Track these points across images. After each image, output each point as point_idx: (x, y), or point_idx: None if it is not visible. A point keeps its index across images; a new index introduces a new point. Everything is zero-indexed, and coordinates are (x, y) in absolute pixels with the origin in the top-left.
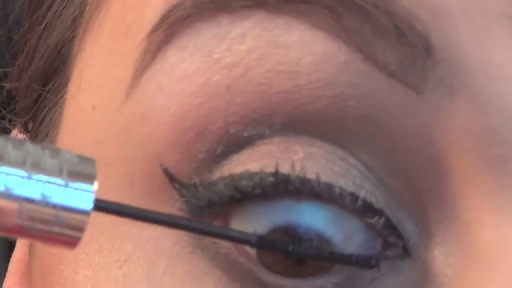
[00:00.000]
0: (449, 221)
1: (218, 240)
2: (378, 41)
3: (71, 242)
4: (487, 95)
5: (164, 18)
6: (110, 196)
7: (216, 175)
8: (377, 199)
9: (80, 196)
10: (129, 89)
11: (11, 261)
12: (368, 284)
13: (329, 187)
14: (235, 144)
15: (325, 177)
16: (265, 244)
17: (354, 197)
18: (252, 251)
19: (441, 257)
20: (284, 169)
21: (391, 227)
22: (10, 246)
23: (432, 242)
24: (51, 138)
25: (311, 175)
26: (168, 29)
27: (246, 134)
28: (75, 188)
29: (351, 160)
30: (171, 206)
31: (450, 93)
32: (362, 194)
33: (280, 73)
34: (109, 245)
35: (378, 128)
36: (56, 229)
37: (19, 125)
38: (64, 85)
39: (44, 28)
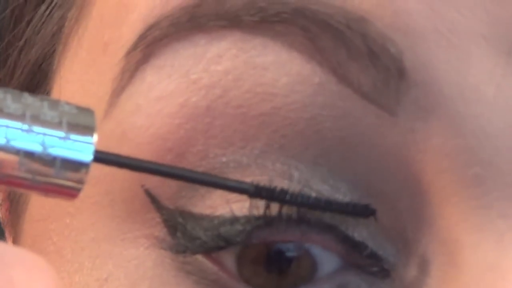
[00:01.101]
0: (427, 240)
1: (204, 267)
2: (352, 63)
3: (71, 194)
4: (463, 117)
5: (142, 37)
6: (90, 215)
7: (196, 206)
8: (359, 230)
9: (80, 147)
10: (107, 108)
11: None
12: None
13: (317, 222)
14: (212, 170)
15: (312, 214)
16: (263, 194)
17: (338, 230)
18: (230, 266)
19: (419, 276)
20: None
21: (372, 254)
22: None
23: (410, 261)
24: None
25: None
26: (146, 49)
27: (224, 159)
28: (75, 140)
29: (329, 181)
30: (153, 227)
31: (424, 115)
32: (343, 228)
33: (258, 95)
34: (90, 264)
35: (354, 149)
36: (56, 180)
37: None
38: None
39: (24, 43)
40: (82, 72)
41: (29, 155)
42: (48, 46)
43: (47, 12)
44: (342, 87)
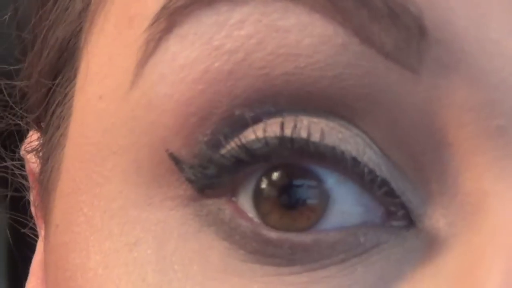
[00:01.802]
0: (452, 192)
1: (223, 208)
2: (374, 24)
3: None
4: (485, 71)
5: (165, 7)
6: (119, 183)
7: (224, 149)
8: (380, 168)
9: None
10: (133, 78)
11: (33, 262)
12: (373, 248)
13: (333, 149)
14: (241, 123)
15: (329, 141)
16: None
17: (357, 161)
18: (252, 213)
19: (445, 227)
20: (289, 132)
21: (392, 194)
22: (11, 249)
23: (436, 213)
24: (62, 130)
25: (315, 138)
26: (169, 18)
27: (252, 114)
28: None
29: (354, 130)
30: (178, 187)
31: (446, 73)
32: (364, 159)
33: (281, 56)
34: (119, 230)
35: (378, 104)
36: None
37: (32, 123)
38: (73, 77)
39: (51, 22)
40: (108, 47)
41: None
42: (75, 24)
43: None
44: (365, 47)
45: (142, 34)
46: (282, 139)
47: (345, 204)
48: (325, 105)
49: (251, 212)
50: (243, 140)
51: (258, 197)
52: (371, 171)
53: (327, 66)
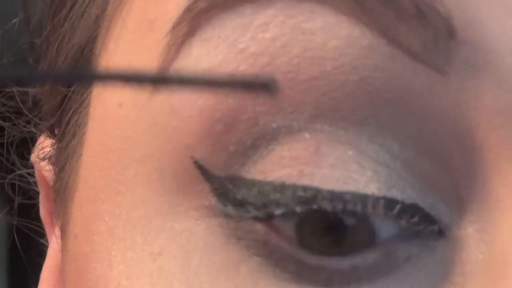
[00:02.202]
0: (481, 197)
1: (256, 228)
2: (401, 25)
3: None
4: None
5: (187, 10)
6: (141, 192)
7: (248, 172)
8: (408, 191)
9: None
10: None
11: (43, 269)
12: (404, 263)
13: (362, 199)
14: (264, 136)
15: (354, 186)
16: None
17: (388, 203)
18: (291, 234)
19: (474, 234)
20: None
21: (423, 216)
22: (11, 253)
23: (465, 220)
24: (78, 138)
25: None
26: (192, 22)
27: (274, 125)
28: None
29: (380, 142)
30: (203, 198)
31: (475, 73)
32: (391, 194)
33: (306, 60)
34: (142, 239)
35: (405, 109)
36: None
37: (45, 130)
38: (89, 84)
39: (67, 29)
40: (128, 53)
41: None
42: (91, 31)
43: None
44: (392, 48)
45: (164, 38)
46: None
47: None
48: (350, 115)
49: (285, 230)
50: (266, 197)
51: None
52: (398, 202)
53: (353, 69)
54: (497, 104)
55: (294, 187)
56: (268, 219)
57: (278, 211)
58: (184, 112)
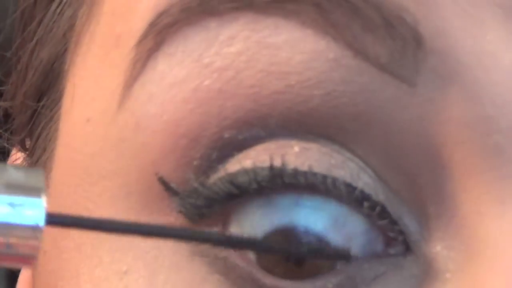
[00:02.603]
0: (449, 214)
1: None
2: (368, 36)
3: (27, 261)
4: (481, 85)
5: (152, 25)
6: (108, 209)
7: (212, 178)
8: (376, 192)
9: (31, 212)
10: (121, 99)
11: (19, 280)
12: (370, 282)
13: (324, 178)
14: (230, 148)
15: (321, 169)
16: (266, 248)
17: (352, 188)
18: (251, 254)
19: (443, 251)
20: (278, 162)
21: (391, 221)
22: None
23: (433, 237)
24: (48, 153)
25: (305, 167)
26: (156, 37)
27: (240, 137)
28: (25, 205)
29: (347, 154)
30: (169, 215)
31: (443, 84)
32: (359, 185)
33: (271, 74)
34: (109, 257)
35: (372, 124)
36: (10, 250)
37: (17, 144)
38: (58, 99)
39: (35, 44)
40: (95, 68)
41: None
42: (60, 45)
43: (58, 10)
44: (359, 61)
45: (129, 53)
46: (272, 172)
47: (346, 234)
48: (317, 127)
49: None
50: (232, 174)
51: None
52: (368, 198)
53: (319, 83)
54: (464, 117)
55: (256, 168)
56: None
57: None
58: (149, 127)
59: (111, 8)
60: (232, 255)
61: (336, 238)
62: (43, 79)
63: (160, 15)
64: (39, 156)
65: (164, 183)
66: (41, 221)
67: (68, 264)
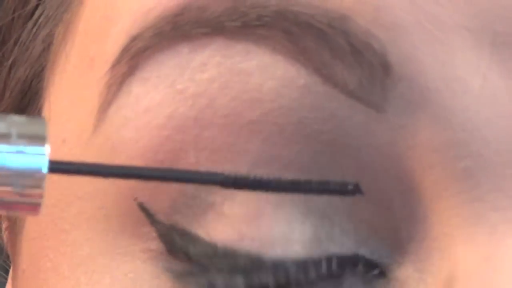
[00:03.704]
0: (420, 237)
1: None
2: (336, 62)
3: (33, 209)
4: (450, 110)
5: (126, 49)
6: (85, 230)
7: (191, 225)
8: (346, 244)
9: (33, 159)
10: (96, 122)
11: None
12: None
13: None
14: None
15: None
16: (240, 183)
17: (328, 263)
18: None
19: (414, 274)
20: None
21: (367, 262)
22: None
23: (405, 260)
24: None
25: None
26: (130, 61)
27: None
28: (27, 153)
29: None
30: (150, 241)
31: (412, 110)
32: (333, 249)
33: (244, 102)
34: (87, 279)
35: (342, 151)
36: (14, 197)
37: None
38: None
39: (13, 62)
40: (70, 88)
41: None
42: (37, 64)
43: (34, 29)
44: (328, 87)
45: (103, 76)
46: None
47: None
48: (291, 165)
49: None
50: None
51: None
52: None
53: (290, 110)
54: (433, 142)
55: (234, 256)
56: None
57: (219, 280)
58: (125, 152)
59: (85, 29)
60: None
61: None
62: (21, 98)
63: (133, 40)
64: None
65: (145, 210)
66: (44, 167)
67: (45, 284)
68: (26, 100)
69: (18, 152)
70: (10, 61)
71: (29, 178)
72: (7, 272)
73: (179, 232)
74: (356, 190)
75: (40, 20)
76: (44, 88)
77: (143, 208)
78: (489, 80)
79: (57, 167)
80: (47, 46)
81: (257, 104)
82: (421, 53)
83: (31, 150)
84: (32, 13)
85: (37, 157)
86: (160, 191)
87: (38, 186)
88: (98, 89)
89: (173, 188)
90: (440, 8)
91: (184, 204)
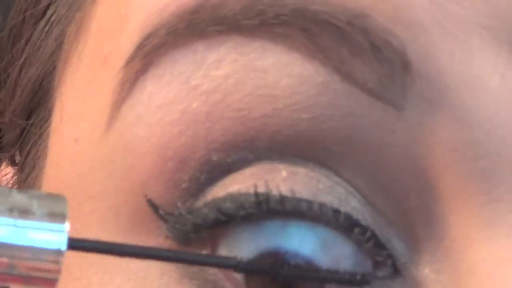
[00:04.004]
0: (437, 237)
1: (205, 268)
2: (355, 60)
3: (49, 283)
4: (468, 108)
5: (140, 47)
6: (96, 229)
7: (200, 201)
8: (364, 216)
9: (53, 237)
10: (109, 120)
11: None
12: None
13: (310, 204)
14: (218, 170)
15: (307, 195)
16: (252, 268)
17: (337, 213)
18: (239, 277)
19: (431, 275)
20: (264, 189)
21: (379, 245)
22: None
23: (422, 260)
24: (37, 171)
25: (291, 193)
26: (144, 59)
27: (229, 160)
28: (48, 230)
29: (335, 178)
30: (157, 236)
31: (430, 108)
32: (347, 209)
33: (259, 97)
34: (98, 279)
35: (360, 147)
36: (33, 272)
37: (6, 160)
38: (47, 117)
39: (24, 61)
40: (83, 87)
41: (3, 248)
42: (48, 63)
43: (46, 28)
44: (347, 85)
45: (117, 74)
46: (258, 199)
47: (334, 258)
48: (305, 150)
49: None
50: (218, 201)
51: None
52: (356, 223)
53: (307, 107)
54: (452, 141)
55: (242, 195)
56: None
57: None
58: (138, 149)
59: (99, 28)
60: (221, 279)
61: (324, 261)
62: (31, 97)
63: (147, 37)
64: (28, 173)
65: (153, 206)
66: (63, 245)
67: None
68: (37, 99)
69: (38, 228)
70: (21, 61)
71: (48, 254)
72: None
73: (187, 218)
74: (364, 280)
75: (52, 19)
76: (55, 87)
77: (151, 203)
78: (507, 80)
79: (76, 244)
80: (59, 45)
81: (271, 100)
82: (440, 51)
83: (51, 227)
84: (44, 12)
85: (56, 234)
86: (171, 185)
87: (56, 262)
88: (112, 87)
89: (182, 179)
90: (459, 7)
91: (196, 191)
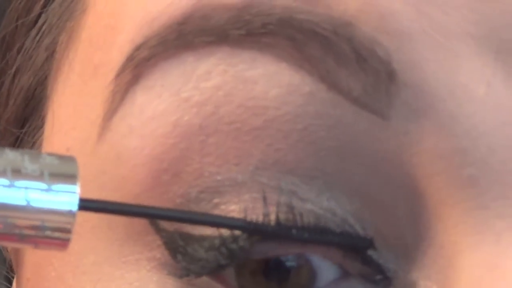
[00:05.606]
0: (426, 244)
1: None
2: (341, 69)
3: (61, 244)
4: (454, 117)
5: (130, 58)
6: (90, 239)
7: (196, 228)
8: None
9: (64, 197)
10: (101, 131)
11: None
12: None
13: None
14: (207, 188)
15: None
16: (260, 230)
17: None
18: (231, 278)
19: (420, 281)
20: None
21: (371, 260)
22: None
23: (411, 267)
24: None
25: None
26: (135, 70)
27: (219, 178)
28: (58, 191)
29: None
30: (155, 250)
31: (416, 117)
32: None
33: (249, 109)
34: (91, 287)
35: (349, 158)
36: (44, 233)
37: None
38: (41, 126)
39: (16, 70)
40: (74, 96)
41: (14, 210)
42: (40, 72)
43: (38, 37)
44: (333, 94)
45: (108, 85)
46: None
47: (324, 270)
48: (296, 169)
49: (233, 280)
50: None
51: (240, 268)
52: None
53: (296, 117)
54: (438, 149)
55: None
56: (219, 270)
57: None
58: (131, 160)
59: (89, 37)
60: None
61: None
62: (25, 105)
63: (137, 48)
64: None
65: (154, 224)
66: (74, 206)
67: None
68: (30, 108)
69: (49, 190)
70: (13, 69)
71: (60, 215)
72: (10, 282)
73: (184, 237)
74: (370, 244)
75: (43, 28)
76: (47, 96)
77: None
78: (493, 87)
79: (87, 205)
80: (51, 54)
81: (262, 111)
82: (426, 60)
83: (62, 188)
84: (36, 21)
85: (68, 195)
86: (165, 198)
87: (68, 223)
88: (103, 98)
89: (177, 193)
90: (445, 16)
91: (188, 209)
